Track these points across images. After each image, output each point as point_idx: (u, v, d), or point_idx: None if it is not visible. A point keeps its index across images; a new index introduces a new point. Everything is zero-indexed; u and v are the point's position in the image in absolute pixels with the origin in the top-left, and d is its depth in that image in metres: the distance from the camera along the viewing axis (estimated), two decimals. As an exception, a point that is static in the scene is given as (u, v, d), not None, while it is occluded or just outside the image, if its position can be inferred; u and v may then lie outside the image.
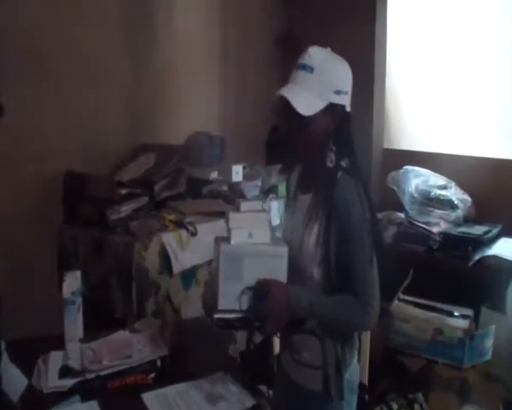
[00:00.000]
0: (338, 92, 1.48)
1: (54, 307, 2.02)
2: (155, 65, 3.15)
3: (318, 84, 1.45)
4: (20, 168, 2.56)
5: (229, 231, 1.53)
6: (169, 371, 1.69)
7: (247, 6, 3.61)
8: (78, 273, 1.89)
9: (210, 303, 1.58)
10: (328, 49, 1.53)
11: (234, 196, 2.83)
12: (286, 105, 1.47)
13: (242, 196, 2.89)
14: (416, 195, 3.18)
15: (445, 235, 2.96)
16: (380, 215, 3.21)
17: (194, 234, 2.52)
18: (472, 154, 3.24)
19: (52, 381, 1.64)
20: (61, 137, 2.70)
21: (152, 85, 3.14)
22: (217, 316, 1.51)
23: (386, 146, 3.61)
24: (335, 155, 1.49)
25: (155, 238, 2.44)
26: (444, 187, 3.19)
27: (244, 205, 1.57)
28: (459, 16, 3.29)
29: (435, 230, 3.00)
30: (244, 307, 1.49)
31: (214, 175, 3.01)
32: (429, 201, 3.15)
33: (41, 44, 2.59)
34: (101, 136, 2.89)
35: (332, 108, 1.48)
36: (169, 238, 2.47)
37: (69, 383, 1.62)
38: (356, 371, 1.64)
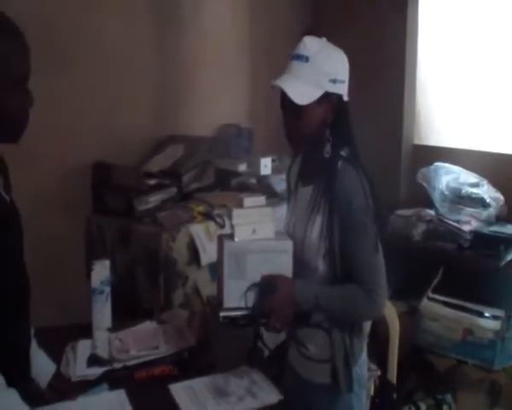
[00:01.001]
0: (334, 81, 1.45)
1: (82, 295, 2.01)
2: (183, 57, 3.13)
3: (313, 74, 1.43)
4: (47, 158, 2.57)
5: (232, 227, 1.52)
6: (196, 363, 1.67)
7: (275, -2, 3.58)
8: (106, 263, 1.88)
9: (215, 301, 1.56)
10: (324, 38, 1.50)
11: (262, 189, 2.80)
12: (281, 95, 1.46)
13: (270, 189, 2.86)
14: (446, 192, 3.11)
15: (476, 233, 2.89)
16: (409, 212, 3.15)
17: (222, 226, 2.49)
18: (505, 151, 3.15)
19: (80, 369, 1.63)
20: (89, 129, 2.70)
21: (180, 77, 3.13)
22: (222, 314, 1.49)
23: (416, 142, 3.54)
24: (334, 145, 1.48)
25: (183, 229, 2.43)
26: (475, 185, 3.11)
27: (247, 201, 1.55)
28: (491, 9, 3.20)
29: (466, 228, 2.93)
30: (250, 304, 1.47)
31: (243, 167, 2.99)
32: (460, 198, 3.08)
33: (67, 36, 2.59)
34: (128, 127, 2.88)
35: (328, 98, 1.46)
36: (197, 230, 2.46)
37: (97, 371, 1.61)
38: (365, 364, 1.61)
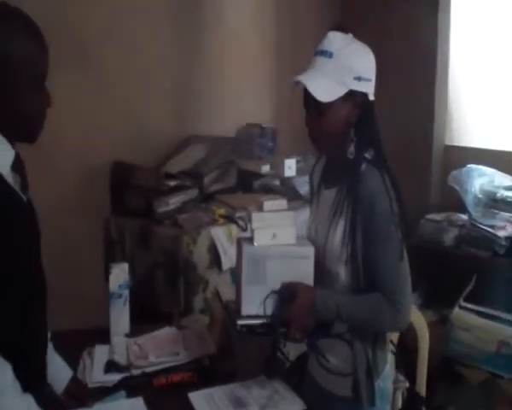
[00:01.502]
0: (359, 79, 1.44)
1: (100, 299, 2.02)
2: (205, 54, 3.13)
3: (337, 70, 1.42)
4: (66, 158, 2.59)
5: (252, 231, 1.50)
6: (216, 371, 1.66)
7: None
8: (125, 266, 1.88)
9: (233, 307, 1.55)
10: (350, 35, 1.48)
11: (286, 192, 2.79)
12: (304, 92, 1.45)
13: (295, 192, 2.84)
14: (480, 196, 3.06)
15: (512, 239, 2.83)
16: (440, 216, 3.11)
17: (244, 229, 2.49)
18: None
19: (97, 375, 1.63)
20: (108, 127, 2.72)
21: (202, 75, 3.13)
22: (240, 322, 1.47)
23: (447, 143, 3.49)
24: (358, 146, 1.46)
25: (204, 232, 2.43)
26: (511, 188, 3.05)
27: (267, 204, 1.53)
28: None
29: (501, 234, 2.87)
30: (268, 312, 1.46)
31: (266, 169, 2.99)
32: (495, 202, 3.03)
33: (84, 31, 2.60)
34: (148, 126, 2.89)
35: (352, 96, 1.45)
36: (218, 233, 2.46)
37: (115, 378, 1.61)
38: (389, 377, 1.59)
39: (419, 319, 1.94)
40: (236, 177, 2.88)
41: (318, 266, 1.50)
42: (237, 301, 1.52)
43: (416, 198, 3.24)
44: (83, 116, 2.61)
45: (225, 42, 3.20)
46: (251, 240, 1.50)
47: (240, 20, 3.27)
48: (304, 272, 1.48)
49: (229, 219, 2.55)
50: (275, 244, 1.48)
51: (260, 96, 3.44)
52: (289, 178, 2.96)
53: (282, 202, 1.57)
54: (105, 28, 2.68)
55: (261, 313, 1.45)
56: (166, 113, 2.98)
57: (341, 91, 1.43)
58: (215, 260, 2.43)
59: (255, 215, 1.51)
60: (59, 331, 1.58)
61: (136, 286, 2.39)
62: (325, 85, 1.42)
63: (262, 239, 1.48)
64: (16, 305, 1.26)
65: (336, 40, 1.44)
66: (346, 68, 1.42)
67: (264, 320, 1.45)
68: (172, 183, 2.60)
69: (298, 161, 3.01)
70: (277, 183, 2.95)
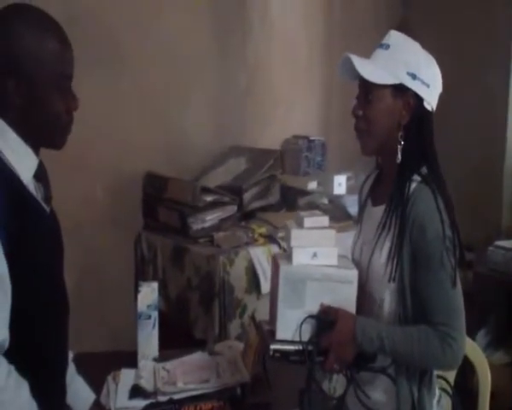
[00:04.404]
0: (413, 76, 1.48)
1: (128, 320, 2.09)
2: (248, 59, 3.21)
3: (391, 60, 1.48)
4: (94, 167, 2.69)
5: (290, 249, 1.52)
6: (249, 401, 1.69)
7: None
8: (154, 285, 1.94)
9: (266, 330, 1.57)
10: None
11: (335, 211, 2.81)
12: (359, 84, 1.52)
13: (344, 211, 2.86)
14: (560, 220, 3.00)
15: None
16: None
17: (286, 250, 2.52)
18: None
19: (121, 401, 1.69)
20: (142, 136, 2.81)
21: (244, 81, 3.20)
22: (273, 347, 1.49)
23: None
24: (406, 153, 1.49)
25: (243, 252, 2.49)
26: None
27: (308, 221, 1.54)
28: None
29: None
30: (305, 339, 1.47)
31: (313, 185, 3.01)
32: None
33: (119, 32, 2.71)
34: (184, 135, 2.98)
35: (404, 93, 1.49)
36: (258, 253, 2.51)
37: (140, 404, 1.66)
38: None
39: (479, 358, 1.90)
40: (280, 193, 2.92)
41: (362, 291, 1.52)
42: (271, 323, 1.55)
43: (485, 221, 3.19)
44: (113, 122, 2.71)
45: (271, 45, 3.27)
46: (288, 258, 1.52)
47: (286, 21, 3.34)
48: (345, 298, 1.49)
49: (270, 238, 2.59)
50: (315, 264, 1.51)
51: (308, 105, 3.48)
52: (338, 197, 2.98)
53: (323, 219, 1.57)
54: (140, 29, 2.78)
55: (297, 338, 1.48)
56: (204, 121, 3.06)
57: (390, 80, 1.48)
58: (254, 282, 2.48)
59: (294, 232, 1.52)
60: (83, 353, 1.65)
61: (168, 308, 2.46)
62: (375, 69, 1.48)
63: (301, 258, 1.50)
64: (36, 321, 1.31)
65: (396, 35, 1.52)
66: (400, 60, 1.48)
67: (300, 347, 1.48)
68: (209, 198, 2.65)
69: (348, 178, 3.03)
70: (325, 201, 2.97)
